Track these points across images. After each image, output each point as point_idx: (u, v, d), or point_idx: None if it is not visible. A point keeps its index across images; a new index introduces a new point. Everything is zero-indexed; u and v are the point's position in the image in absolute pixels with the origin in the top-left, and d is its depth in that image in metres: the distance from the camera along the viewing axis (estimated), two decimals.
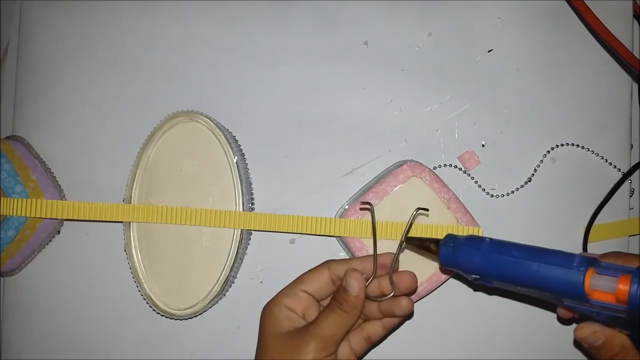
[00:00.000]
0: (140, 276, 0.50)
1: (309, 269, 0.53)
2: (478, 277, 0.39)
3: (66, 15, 0.55)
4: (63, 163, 0.54)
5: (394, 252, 0.41)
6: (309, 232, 0.50)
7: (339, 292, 0.40)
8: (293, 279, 0.52)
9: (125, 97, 0.55)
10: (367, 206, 0.43)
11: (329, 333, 0.39)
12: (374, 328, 0.42)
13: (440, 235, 0.48)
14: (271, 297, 0.42)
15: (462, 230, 0.49)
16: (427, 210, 0.44)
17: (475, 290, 0.52)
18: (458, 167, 0.53)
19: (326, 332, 0.39)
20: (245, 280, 0.53)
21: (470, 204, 0.50)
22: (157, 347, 0.53)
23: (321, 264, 0.42)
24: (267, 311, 0.41)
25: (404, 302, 0.40)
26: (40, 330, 0.54)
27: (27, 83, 0.55)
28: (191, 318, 0.52)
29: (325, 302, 0.43)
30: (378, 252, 0.42)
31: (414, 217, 0.42)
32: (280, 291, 0.42)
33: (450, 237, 0.41)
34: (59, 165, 0.54)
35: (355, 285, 0.39)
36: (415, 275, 0.41)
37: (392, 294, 0.40)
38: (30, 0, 0.55)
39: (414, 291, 0.42)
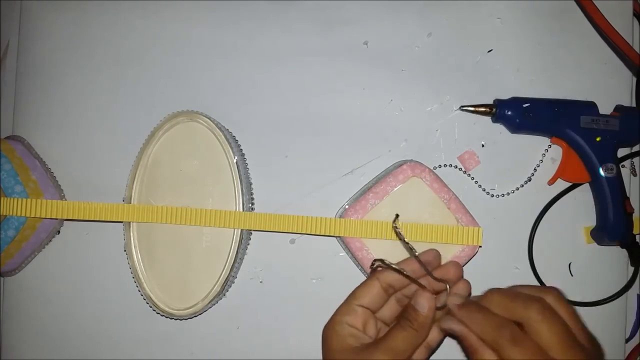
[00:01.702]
0: (140, 276, 0.50)
1: (312, 268, 0.53)
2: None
3: (66, 15, 0.55)
4: (63, 163, 0.54)
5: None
6: (309, 232, 0.50)
7: (408, 311, 0.39)
8: (293, 278, 0.52)
9: (125, 97, 0.55)
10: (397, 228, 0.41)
11: (401, 349, 0.38)
12: (432, 334, 0.42)
13: (440, 237, 0.49)
14: (328, 318, 0.42)
15: (462, 231, 0.49)
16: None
17: None
18: (458, 167, 0.53)
19: (398, 348, 0.38)
20: (245, 280, 0.53)
21: (470, 204, 0.50)
22: (157, 347, 0.53)
23: (370, 276, 0.42)
24: (332, 332, 0.41)
25: (461, 285, 0.40)
26: (40, 330, 0.54)
27: (27, 83, 0.55)
28: (191, 318, 0.52)
29: (380, 314, 0.43)
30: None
31: None
32: (338, 310, 0.41)
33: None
34: (59, 165, 0.54)
35: (425, 305, 0.39)
36: (458, 262, 0.42)
37: (448, 289, 0.40)
38: (30, 0, 0.56)
39: (462, 276, 0.42)
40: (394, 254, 0.49)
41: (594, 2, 0.49)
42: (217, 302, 0.52)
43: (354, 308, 0.41)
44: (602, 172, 0.50)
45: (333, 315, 0.41)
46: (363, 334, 0.40)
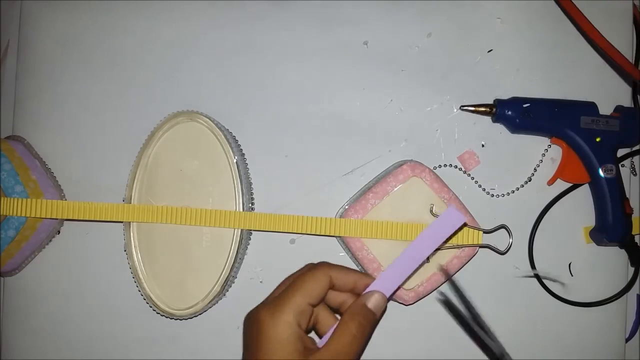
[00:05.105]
0: (140, 276, 0.50)
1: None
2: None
3: (66, 16, 0.55)
4: (63, 163, 0.54)
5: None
6: (309, 232, 0.50)
7: (361, 311, 0.40)
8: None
9: (125, 97, 0.55)
10: None
11: (350, 349, 0.38)
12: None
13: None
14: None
15: (462, 231, 0.49)
16: None
17: None
18: (458, 167, 0.53)
19: (347, 349, 0.38)
20: (245, 280, 0.53)
21: (471, 204, 0.50)
22: (157, 347, 0.53)
23: (321, 269, 0.41)
24: (275, 324, 0.38)
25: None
26: (40, 330, 0.54)
27: (27, 83, 0.55)
28: (191, 318, 0.52)
29: None
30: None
31: None
32: (287, 302, 0.39)
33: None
34: (59, 165, 0.54)
35: (380, 306, 0.40)
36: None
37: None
38: (30, 0, 0.56)
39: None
40: (394, 254, 0.49)
41: (594, 6, 0.49)
42: (217, 302, 0.52)
43: (306, 308, 0.39)
44: (601, 172, 0.50)
45: (280, 306, 0.38)
46: (304, 334, 0.39)
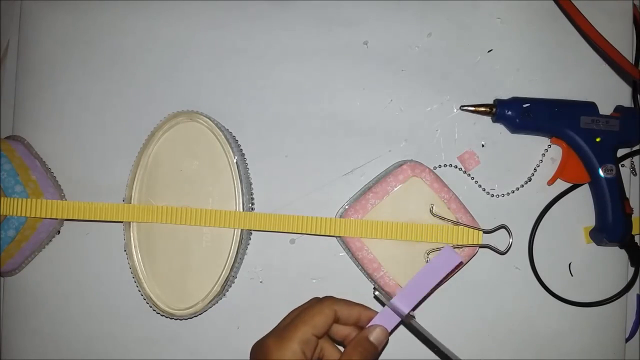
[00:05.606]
0: (140, 276, 0.50)
1: (312, 268, 0.52)
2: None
3: (66, 16, 0.55)
4: (63, 163, 0.54)
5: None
6: (309, 232, 0.50)
7: (362, 343, 0.41)
8: (293, 278, 0.52)
9: (125, 97, 0.55)
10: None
11: None
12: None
13: (440, 237, 0.49)
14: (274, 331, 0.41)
15: (462, 231, 0.49)
16: None
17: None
18: (458, 167, 0.53)
19: None
20: (245, 280, 0.53)
21: (471, 204, 0.50)
22: (158, 347, 0.53)
23: (326, 304, 0.41)
24: (282, 353, 0.39)
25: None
26: (40, 330, 0.54)
27: (27, 83, 0.55)
28: (191, 318, 0.52)
29: None
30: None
31: None
32: (293, 332, 0.40)
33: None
34: (59, 165, 0.54)
35: (382, 339, 0.41)
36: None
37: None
38: (30, 0, 0.56)
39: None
40: (394, 254, 0.49)
41: (593, 7, 0.49)
42: (217, 302, 0.52)
43: (311, 338, 0.40)
44: (601, 172, 0.50)
45: (286, 335, 0.40)
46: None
